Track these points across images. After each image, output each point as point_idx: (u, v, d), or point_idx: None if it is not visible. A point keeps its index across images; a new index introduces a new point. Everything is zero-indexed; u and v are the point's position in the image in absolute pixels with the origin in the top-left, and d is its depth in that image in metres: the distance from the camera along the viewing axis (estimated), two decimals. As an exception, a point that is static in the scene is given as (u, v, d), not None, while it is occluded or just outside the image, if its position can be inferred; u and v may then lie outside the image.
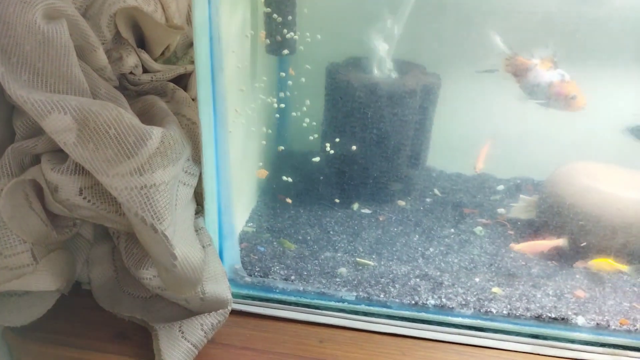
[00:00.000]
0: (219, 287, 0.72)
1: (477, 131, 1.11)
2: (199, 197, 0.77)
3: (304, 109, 1.12)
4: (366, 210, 1.04)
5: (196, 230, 0.74)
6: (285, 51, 0.92)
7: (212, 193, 0.74)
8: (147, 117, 0.75)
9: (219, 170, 0.74)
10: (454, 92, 1.07)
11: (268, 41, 0.92)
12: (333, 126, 1.04)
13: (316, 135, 1.07)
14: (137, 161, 0.60)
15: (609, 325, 0.76)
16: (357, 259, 0.89)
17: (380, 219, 1.02)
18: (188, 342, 0.69)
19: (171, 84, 0.81)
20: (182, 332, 0.70)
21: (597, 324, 0.76)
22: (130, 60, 0.78)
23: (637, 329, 0.76)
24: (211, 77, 0.68)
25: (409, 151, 1.05)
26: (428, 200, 1.08)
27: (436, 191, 1.11)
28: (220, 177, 0.75)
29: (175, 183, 0.67)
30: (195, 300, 0.71)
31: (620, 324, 0.76)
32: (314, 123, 1.07)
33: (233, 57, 0.78)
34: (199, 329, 0.70)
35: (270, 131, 1.07)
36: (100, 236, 0.78)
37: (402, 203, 1.07)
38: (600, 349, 0.74)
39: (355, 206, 1.05)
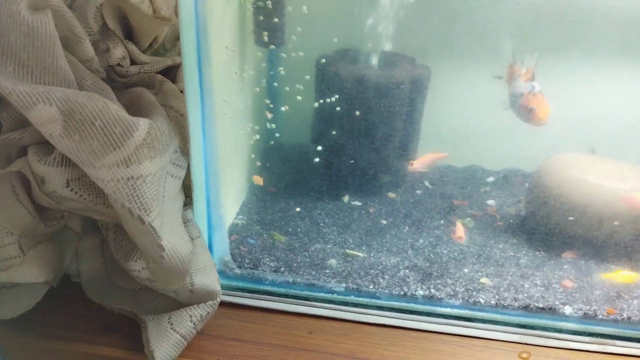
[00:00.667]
0: (208, 278, 0.72)
1: (468, 123, 1.11)
2: (187, 189, 0.77)
3: (295, 101, 1.13)
4: (356, 203, 1.04)
5: (185, 222, 0.74)
6: (272, 47, 0.92)
7: (200, 185, 0.74)
8: (135, 109, 0.74)
9: (207, 162, 0.74)
10: (444, 84, 1.07)
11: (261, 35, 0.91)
12: (323, 119, 1.04)
13: (307, 128, 1.07)
14: (123, 152, 0.60)
15: (596, 315, 0.77)
16: (347, 251, 0.89)
17: (371, 211, 1.02)
18: (177, 333, 0.69)
19: (159, 76, 0.81)
20: (171, 324, 0.70)
21: (585, 313, 0.77)
22: (118, 52, 0.78)
23: (624, 318, 0.77)
24: (198, 68, 0.68)
25: (399, 143, 1.05)
26: (418, 192, 1.09)
27: (426, 183, 1.12)
28: (208, 169, 0.75)
29: (163, 175, 0.67)
30: (185, 291, 0.71)
31: (608, 313, 0.77)
32: (304, 115, 1.07)
33: (220, 49, 0.77)
34: (187, 320, 0.70)
35: (258, 126, 1.07)
36: (89, 229, 0.78)
37: (392, 195, 1.07)
38: (588, 339, 0.75)
39: (346, 198, 1.05)
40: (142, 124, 0.62)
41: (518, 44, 0.95)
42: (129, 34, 0.83)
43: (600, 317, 0.77)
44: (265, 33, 0.89)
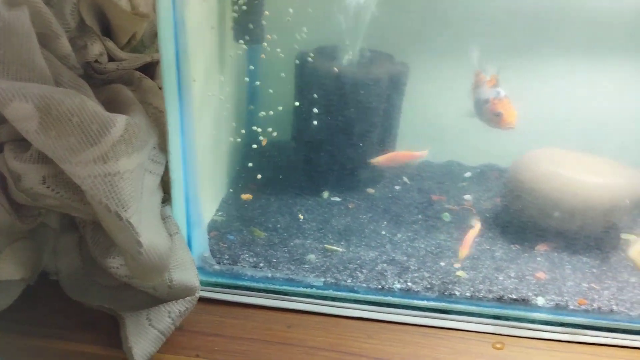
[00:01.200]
0: (186, 274, 0.73)
1: (445, 120, 1.13)
2: (166, 185, 0.77)
3: (275, 98, 1.13)
4: (336, 198, 1.05)
5: (163, 219, 0.74)
6: (250, 43, 0.92)
7: (179, 182, 0.75)
8: (113, 105, 0.74)
9: (186, 159, 0.74)
10: (422, 81, 1.08)
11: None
12: (303, 115, 1.05)
13: (287, 125, 1.08)
14: (100, 149, 0.60)
15: (567, 306, 0.79)
16: (326, 246, 0.90)
17: (350, 206, 1.03)
18: (155, 329, 0.70)
19: (137, 73, 0.81)
20: (150, 320, 0.70)
21: (557, 304, 0.79)
22: (95, 49, 0.77)
23: (594, 308, 0.79)
24: (176, 64, 0.68)
25: (378, 139, 1.06)
26: (397, 187, 1.10)
27: (405, 179, 1.13)
28: (187, 165, 0.75)
29: (141, 171, 0.67)
30: (163, 288, 0.71)
31: (579, 303, 0.79)
32: (284, 113, 1.07)
33: (199, 45, 0.77)
34: (166, 316, 0.71)
35: (239, 123, 1.07)
36: (67, 226, 0.78)
37: (371, 191, 1.08)
38: (560, 329, 0.77)
39: (325, 194, 1.06)
40: (120, 120, 0.62)
41: (490, 46, 0.98)
42: (107, 31, 0.83)
43: (571, 307, 0.79)
44: (245, 30, 0.90)
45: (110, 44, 0.81)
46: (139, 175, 0.66)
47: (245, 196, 0.88)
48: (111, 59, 0.82)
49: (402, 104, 1.05)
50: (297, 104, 1.03)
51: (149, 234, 0.64)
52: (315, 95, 1.00)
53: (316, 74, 0.99)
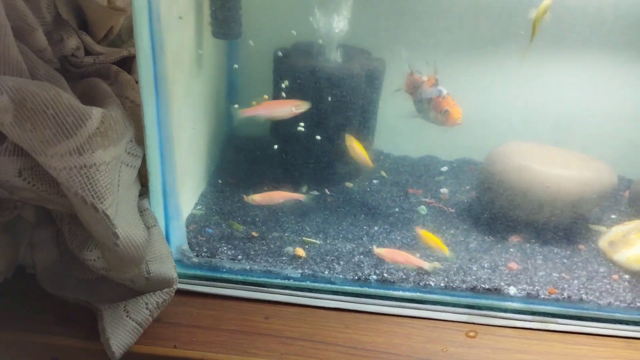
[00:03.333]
0: (164, 266, 0.73)
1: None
2: (144, 178, 0.77)
3: (252, 93, 1.14)
4: (314, 192, 1.06)
5: (141, 212, 0.75)
6: (228, 38, 0.93)
7: (156, 175, 0.75)
8: (89, 99, 0.74)
9: (163, 152, 0.75)
10: (399, 77, 1.10)
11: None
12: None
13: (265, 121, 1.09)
14: (76, 141, 0.61)
15: (538, 295, 0.81)
16: (304, 238, 0.91)
17: (328, 200, 1.04)
18: (133, 320, 0.70)
19: (114, 67, 0.81)
20: (127, 312, 0.70)
21: (528, 293, 0.81)
22: (72, 42, 0.78)
23: (564, 297, 0.81)
24: (152, 58, 0.69)
25: (356, 134, 1.08)
26: (375, 181, 1.12)
27: (383, 173, 1.15)
28: (164, 159, 0.75)
29: (118, 164, 0.67)
30: (141, 280, 0.72)
31: (549, 293, 0.81)
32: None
33: (175, 40, 0.78)
34: (143, 308, 0.71)
35: (217, 118, 1.08)
36: (43, 219, 0.78)
37: (349, 185, 1.10)
38: (531, 317, 0.79)
39: (304, 188, 1.07)
40: (95, 112, 0.63)
41: (457, 42, 1.00)
42: (84, 25, 0.83)
43: (542, 296, 0.81)
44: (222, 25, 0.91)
45: (87, 38, 0.81)
46: (115, 168, 0.66)
47: (236, 226, 0.90)
48: (88, 52, 0.82)
49: (378, 99, 1.07)
50: (276, 99, 1.04)
51: (125, 225, 0.65)
52: (293, 91, 1.01)
53: (294, 70, 1.00)
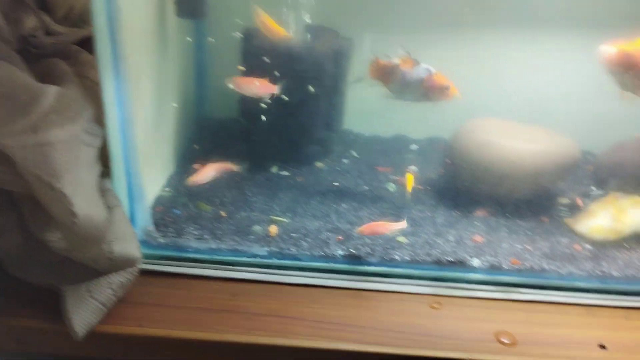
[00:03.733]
0: (128, 246, 0.73)
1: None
2: (106, 159, 0.77)
3: (221, 75, 1.13)
4: (284, 173, 1.06)
5: (103, 192, 0.74)
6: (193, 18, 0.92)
7: (118, 155, 0.75)
8: (49, 79, 0.73)
9: (125, 132, 0.74)
10: (365, 56, 1.10)
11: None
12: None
13: (234, 102, 1.09)
14: (30, 119, 0.60)
15: (501, 266, 0.82)
16: (272, 217, 0.91)
17: (298, 179, 1.05)
18: (96, 300, 0.70)
19: (75, 46, 0.80)
20: (90, 291, 0.70)
21: (491, 265, 0.83)
22: (30, 22, 0.76)
23: (527, 267, 0.82)
24: (110, 37, 0.68)
25: (325, 114, 1.08)
26: (345, 161, 1.12)
27: (353, 152, 1.15)
28: (126, 139, 0.75)
29: (76, 142, 0.67)
30: (104, 260, 0.72)
31: (512, 263, 0.83)
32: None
33: (135, 19, 0.77)
34: (106, 288, 0.71)
35: (185, 99, 1.07)
36: (5, 203, 0.77)
37: (319, 164, 1.10)
38: (494, 287, 0.80)
39: (274, 169, 1.07)
40: (50, 90, 0.63)
41: (428, 22, 1.00)
42: (43, 4, 0.82)
43: (505, 267, 0.82)
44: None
45: (46, 18, 0.80)
46: (73, 147, 0.66)
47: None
48: (48, 33, 0.81)
49: (346, 78, 1.07)
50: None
51: (84, 204, 0.65)
52: (260, 72, 1.01)
53: (261, 49, 0.99)
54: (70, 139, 0.65)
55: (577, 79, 1.05)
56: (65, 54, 0.81)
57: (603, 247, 0.87)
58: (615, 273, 0.82)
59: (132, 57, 0.74)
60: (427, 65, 0.88)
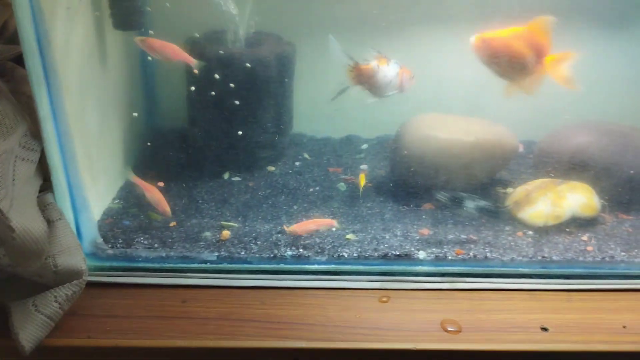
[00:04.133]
0: (72, 259, 0.73)
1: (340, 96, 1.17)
2: (47, 173, 0.77)
3: (168, 85, 1.14)
4: (236, 178, 1.07)
5: (45, 205, 0.74)
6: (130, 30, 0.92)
7: (58, 168, 0.75)
8: (-18, 96, 0.74)
9: (63, 145, 0.75)
10: (311, 60, 1.12)
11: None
12: (197, 101, 1.06)
13: (183, 111, 1.09)
14: (-40, 137, 0.60)
15: (446, 257, 0.85)
16: (222, 222, 0.92)
17: (250, 184, 1.06)
18: (42, 314, 0.70)
19: (10, 63, 0.80)
20: (36, 306, 0.70)
21: (436, 256, 0.85)
22: (-39, 41, 0.77)
23: (470, 257, 0.85)
24: (39, 51, 0.68)
25: (274, 119, 1.09)
26: (297, 164, 1.14)
27: (306, 155, 1.17)
28: (65, 152, 0.75)
29: (10, 158, 0.67)
30: (49, 274, 0.71)
31: (456, 254, 0.85)
32: (178, 99, 1.09)
33: (67, 32, 0.77)
34: (52, 301, 0.71)
35: (131, 111, 1.07)
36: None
37: (271, 168, 1.11)
38: (440, 278, 0.82)
39: (226, 175, 1.08)
40: (-21, 107, 0.62)
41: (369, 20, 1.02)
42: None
43: (450, 258, 0.85)
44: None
45: (-21, 36, 0.80)
46: (7, 162, 0.66)
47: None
48: (-17, 51, 0.81)
49: (292, 82, 1.09)
50: (190, 89, 1.05)
51: (22, 219, 0.65)
52: (206, 80, 1.02)
53: (204, 58, 1.00)
54: (4, 155, 0.65)
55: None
56: (2, 70, 0.80)
57: (544, 232, 0.90)
58: (556, 257, 0.85)
59: (65, 70, 0.74)
60: (394, 60, 0.90)
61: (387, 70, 0.91)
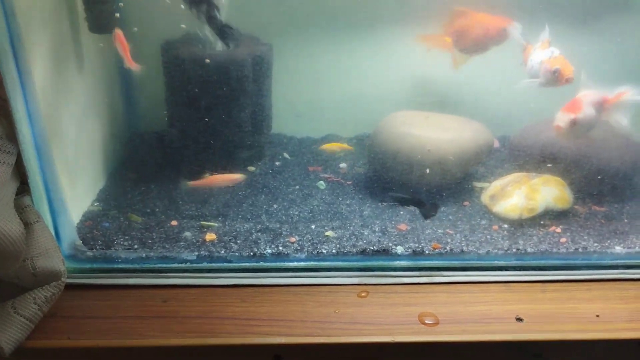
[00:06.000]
0: (51, 261, 0.73)
1: (318, 95, 1.18)
2: (24, 175, 0.77)
3: (147, 87, 1.14)
4: (217, 179, 1.08)
5: (22, 208, 0.74)
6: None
7: (34, 170, 0.75)
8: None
9: (39, 147, 0.75)
10: (288, 60, 1.13)
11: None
12: (176, 103, 1.07)
13: (162, 113, 1.10)
14: None
15: (423, 251, 0.86)
16: (202, 222, 0.93)
17: (230, 185, 1.06)
18: (21, 316, 0.70)
19: (-15, 68, 0.80)
20: (15, 308, 0.70)
21: (414, 250, 0.86)
22: None
23: (447, 250, 0.86)
24: (13, 53, 0.69)
25: (252, 119, 1.10)
26: (277, 163, 1.15)
27: (286, 155, 1.18)
28: (41, 155, 0.75)
29: (-15, 161, 0.67)
30: (27, 276, 0.72)
31: (434, 248, 0.86)
32: (157, 101, 1.09)
33: (41, 34, 0.78)
34: (32, 303, 0.71)
35: (109, 113, 1.07)
36: None
37: (252, 168, 1.12)
38: (417, 273, 0.83)
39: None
40: (-47, 111, 0.62)
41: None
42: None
43: (427, 252, 0.86)
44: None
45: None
46: (-18, 165, 0.66)
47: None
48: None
49: (271, 83, 1.10)
50: (168, 92, 1.05)
51: (-2, 221, 0.65)
52: (184, 82, 1.03)
53: (181, 60, 1.01)
54: (-21, 158, 0.65)
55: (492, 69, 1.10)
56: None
57: (519, 225, 0.92)
58: (531, 249, 0.87)
59: (40, 72, 0.75)
60: (554, 48, 0.89)
61: (539, 54, 0.89)
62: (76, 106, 0.91)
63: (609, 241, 0.89)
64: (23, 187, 0.77)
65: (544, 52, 0.89)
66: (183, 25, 1.04)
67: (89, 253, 0.84)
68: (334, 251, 0.86)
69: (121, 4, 0.92)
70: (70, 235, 0.84)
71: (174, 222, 0.93)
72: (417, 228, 0.91)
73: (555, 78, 0.87)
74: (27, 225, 0.73)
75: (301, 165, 1.13)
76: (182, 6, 0.93)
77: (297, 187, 1.05)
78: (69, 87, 0.88)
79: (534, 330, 0.75)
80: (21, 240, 0.67)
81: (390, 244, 0.87)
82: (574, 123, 0.85)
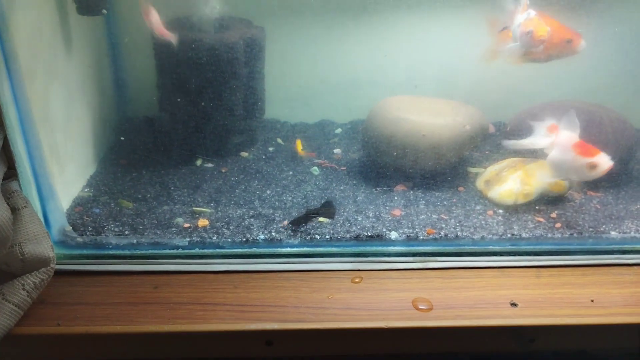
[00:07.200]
0: (39, 246, 0.72)
1: (312, 81, 1.17)
2: (12, 160, 0.76)
3: (138, 71, 1.13)
4: (209, 165, 1.07)
5: (10, 194, 0.73)
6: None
7: (22, 155, 0.74)
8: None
9: (26, 132, 0.73)
10: (282, 44, 1.11)
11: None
12: (168, 87, 1.05)
13: (154, 97, 1.08)
14: None
15: (417, 237, 0.85)
16: (194, 208, 0.92)
17: (223, 170, 1.05)
18: (10, 303, 0.69)
19: (-30, 51, 0.78)
20: (3, 294, 0.69)
21: (408, 236, 0.85)
22: None
23: (441, 236, 0.86)
24: (-2, 36, 0.67)
25: (245, 104, 1.09)
26: (271, 149, 1.13)
27: (279, 140, 1.16)
28: (28, 139, 0.74)
29: (-29, 145, 0.66)
30: (16, 262, 0.71)
31: (428, 233, 0.86)
32: (149, 85, 1.07)
33: (26, 17, 0.76)
34: (20, 289, 0.70)
35: (100, 97, 1.06)
36: None
37: (245, 154, 1.11)
38: (412, 258, 0.83)
39: (199, 162, 1.07)
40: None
41: None
42: None
43: (421, 237, 0.85)
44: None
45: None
46: (-33, 149, 0.64)
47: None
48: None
49: (263, 67, 1.08)
50: (159, 76, 1.04)
51: (-16, 206, 0.64)
52: (175, 66, 1.01)
53: (174, 45, 0.99)
54: (-36, 142, 0.63)
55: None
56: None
57: (514, 210, 0.91)
58: (525, 235, 0.86)
59: (26, 55, 0.73)
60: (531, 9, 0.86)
61: (517, 18, 0.86)
62: (65, 90, 0.89)
63: (604, 226, 0.88)
64: (10, 172, 0.76)
65: (522, 16, 0.87)
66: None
67: (79, 239, 0.83)
68: (327, 237, 0.85)
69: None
70: (59, 221, 0.82)
71: (165, 207, 0.92)
72: (412, 213, 0.90)
73: (529, 39, 0.85)
74: (14, 210, 0.71)
75: (295, 151, 1.12)
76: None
77: (291, 172, 1.04)
78: (56, 70, 0.87)
79: (529, 315, 0.75)
80: (8, 225, 0.66)
81: (385, 230, 0.86)
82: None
